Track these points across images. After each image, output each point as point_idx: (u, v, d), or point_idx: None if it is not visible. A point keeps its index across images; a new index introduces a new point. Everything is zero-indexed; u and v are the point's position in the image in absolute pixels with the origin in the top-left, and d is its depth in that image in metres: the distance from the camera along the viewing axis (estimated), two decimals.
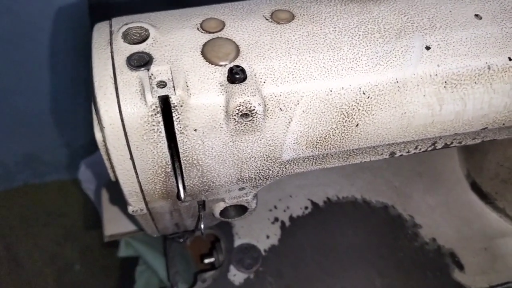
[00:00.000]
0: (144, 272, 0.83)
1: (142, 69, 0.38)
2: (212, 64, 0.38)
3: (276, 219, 0.75)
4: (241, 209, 0.51)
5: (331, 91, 0.40)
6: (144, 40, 0.40)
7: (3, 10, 0.92)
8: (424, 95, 0.41)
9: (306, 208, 0.77)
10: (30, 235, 1.34)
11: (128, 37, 0.40)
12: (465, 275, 0.71)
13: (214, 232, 0.75)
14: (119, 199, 0.76)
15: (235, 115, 0.37)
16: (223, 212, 0.50)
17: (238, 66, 0.38)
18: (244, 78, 0.38)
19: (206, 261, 0.74)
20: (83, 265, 1.28)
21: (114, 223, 0.74)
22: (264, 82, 0.38)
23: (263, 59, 0.39)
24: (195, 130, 0.38)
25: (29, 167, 1.33)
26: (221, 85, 0.38)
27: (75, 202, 1.34)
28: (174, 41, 0.40)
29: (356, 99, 0.40)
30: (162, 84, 0.37)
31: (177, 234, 0.64)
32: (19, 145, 1.25)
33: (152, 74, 0.37)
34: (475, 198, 0.79)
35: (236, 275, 0.69)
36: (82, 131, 1.24)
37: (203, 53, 0.39)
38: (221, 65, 0.38)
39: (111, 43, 0.40)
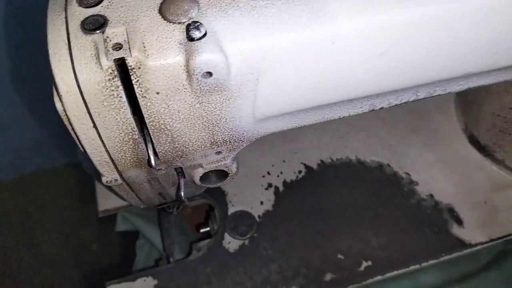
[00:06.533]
0: (144, 245, 0.83)
1: (97, 32, 0.36)
2: (170, 22, 0.36)
3: (270, 185, 0.74)
4: (222, 174, 0.50)
5: (302, 40, 0.38)
6: (99, 2, 0.38)
7: None
8: (395, 39, 0.39)
9: (300, 172, 0.76)
10: (46, 218, 1.35)
11: (84, 1, 0.38)
12: (464, 229, 0.69)
13: (208, 201, 0.74)
14: None
15: (196, 74, 0.36)
16: (203, 178, 0.49)
17: (196, 22, 0.36)
18: (203, 35, 0.36)
19: (202, 230, 0.74)
20: (100, 245, 1.29)
21: (107, 198, 0.74)
22: (226, 38, 0.36)
23: (225, 14, 0.37)
24: (157, 93, 0.37)
25: (40, 153, 1.34)
26: (180, 44, 0.36)
27: (88, 184, 1.34)
28: (131, 2, 0.38)
29: (323, 48, 0.38)
30: (118, 47, 0.35)
31: (166, 205, 0.63)
32: (29, 131, 1.25)
33: (108, 37, 0.35)
34: (474, 151, 0.77)
35: (231, 243, 0.69)
36: None
37: (161, 11, 0.37)
38: (180, 23, 0.37)
39: (65, 9, 0.38)
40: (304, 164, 0.76)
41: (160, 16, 0.37)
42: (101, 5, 0.38)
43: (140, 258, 0.83)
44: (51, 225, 1.34)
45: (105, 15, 0.37)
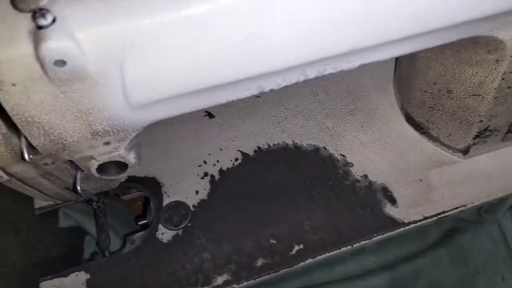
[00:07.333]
0: (92, 241, 0.83)
1: None
2: (21, 11, 0.36)
3: (206, 174, 0.74)
4: (123, 165, 0.49)
5: (161, 24, 0.37)
6: None
7: None
8: (258, 19, 0.38)
9: (236, 159, 0.75)
10: (37, 219, 1.36)
11: None
12: (397, 209, 0.69)
13: (143, 193, 0.74)
14: None
15: (48, 63, 0.35)
16: (102, 171, 0.49)
17: (42, 9, 0.35)
18: (51, 22, 0.35)
19: (140, 223, 0.74)
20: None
21: None
22: (78, 25, 0.36)
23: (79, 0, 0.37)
24: (13, 84, 0.36)
25: None
26: (29, 33, 0.35)
27: None
28: None
29: (185, 30, 0.37)
30: None
31: (87, 198, 0.63)
32: None
33: None
34: (411, 130, 0.76)
35: (165, 233, 0.69)
36: None
37: (12, 1, 0.36)
38: (30, 12, 0.36)
39: None
40: (241, 152, 0.76)
41: (11, 6, 0.36)
42: None
43: (87, 253, 0.83)
44: (42, 225, 1.35)
45: None
